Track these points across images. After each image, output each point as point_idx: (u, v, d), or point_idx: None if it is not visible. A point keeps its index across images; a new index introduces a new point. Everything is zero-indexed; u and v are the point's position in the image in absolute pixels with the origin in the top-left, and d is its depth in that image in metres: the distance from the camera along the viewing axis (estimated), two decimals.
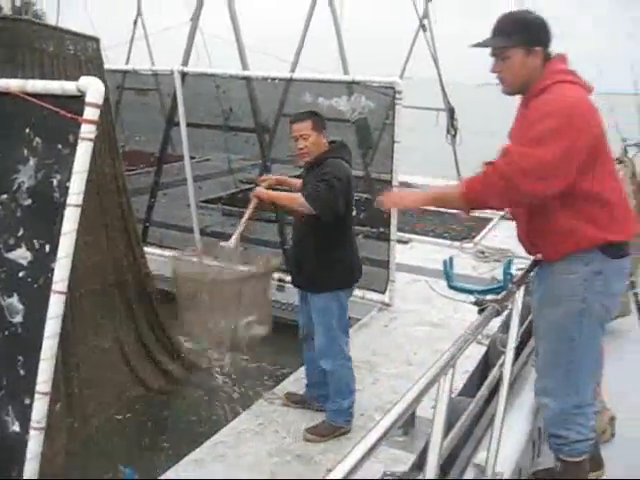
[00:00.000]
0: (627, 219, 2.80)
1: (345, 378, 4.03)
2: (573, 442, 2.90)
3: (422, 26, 10.36)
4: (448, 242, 7.89)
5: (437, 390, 1.83)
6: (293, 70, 6.93)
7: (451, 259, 3.05)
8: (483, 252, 7.19)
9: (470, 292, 2.76)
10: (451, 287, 3.03)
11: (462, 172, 10.99)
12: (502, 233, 8.09)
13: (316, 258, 3.92)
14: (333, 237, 3.94)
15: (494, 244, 7.63)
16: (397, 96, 5.17)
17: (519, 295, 2.82)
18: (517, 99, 2.84)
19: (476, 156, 3.39)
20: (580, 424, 2.88)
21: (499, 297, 2.62)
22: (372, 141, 5.80)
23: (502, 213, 8.91)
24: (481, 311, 2.46)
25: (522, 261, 5.36)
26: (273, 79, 6.14)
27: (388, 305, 5.94)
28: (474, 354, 4.11)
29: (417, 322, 5.65)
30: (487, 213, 9.09)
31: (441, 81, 10.52)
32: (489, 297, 2.61)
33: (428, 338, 5.25)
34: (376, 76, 5.46)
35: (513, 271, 2.99)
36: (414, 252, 7.54)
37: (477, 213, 8.92)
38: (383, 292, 5.93)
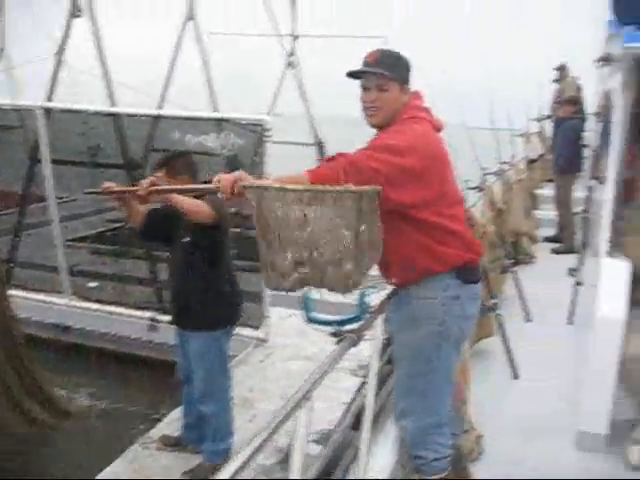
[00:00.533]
0: (474, 243, 2.94)
1: (225, 420, 3.98)
2: (431, 461, 2.96)
3: (289, 63, 10.57)
4: None
5: (296, 423, 1.85)
6: (161, 107, 6.88)
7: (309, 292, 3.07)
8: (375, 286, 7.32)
9: (327, 324, 2.80)
10: (309, 320, 3.04)
11: None
12: None
13: (197, 295, 3.85)
14: (214, 273, 3.90)
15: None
16: (265, 133, 5.23)
17: (378, 324, 2.90)
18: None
19: None
20: (439, 443, 2.96)
21: (357, 327, 2.65)
22: None
23: None
24: (339, 342, 2.48)
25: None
26: (141, 116, 6.08)
27: (264, 341, 5.94)
28: (350, 386, 4.20)
29: (292, 356, 5.70)
30: None
31: (310, 116, 10.77)
32: (347, 327, 2.65)
33: (304, 372, 5.30)
34: (245, 113, 5.53)
35: (369, 300, 3.04)
36: None
37: None
38: (258, 328, 5.94)
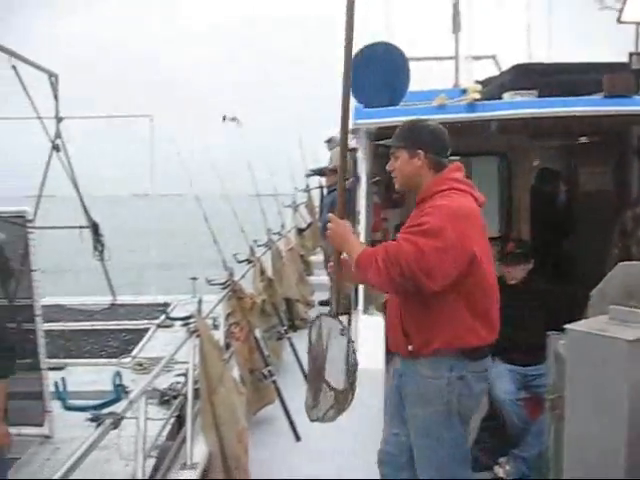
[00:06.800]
0: (496, 321, 3.06)
1: None
2: None
3: (55, 147, 10.30)
4: (105, 360, 7.76)
5: None
6: None
7: (63, 380, 3.06)
8: (141, 364, 7.23)
9: (84, 410, 2.80)
10: (67, 408, 3.02)
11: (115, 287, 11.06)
12: (159, 342, 8.25)
13: None
14: None
15: (151, 354, 7.70)
16: (28, 225, 5.09)
17: (142, 403, 2.95)
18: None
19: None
20: None
21: (119, 410, 2.69)
22: (10, 271, 5.59)
23: (158, 322, 9.14)
24: (98, 426, 2.52)
25: (181, 366, 5.61)
26: None
27: (48, 437, 5.64)
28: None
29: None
30: (143, 322, 9.24)
31: (81, 199, 10.50)
32: (106, 411, 2.65)
33: (95, 462, 5.13)
34: (16, 198, 5.33)
35: (132, 377, 3.06)
36: (72, 377, 7.27)
37: (130, 326, 9.04)
38: (41, 425, 5.64)
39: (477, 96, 4.22)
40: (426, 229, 2.69)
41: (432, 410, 2.96)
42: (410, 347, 2.93)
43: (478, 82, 4.93)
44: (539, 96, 4.44)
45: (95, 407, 2.72)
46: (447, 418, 2.95)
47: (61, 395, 2.89)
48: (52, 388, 5.93)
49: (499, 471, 4.46)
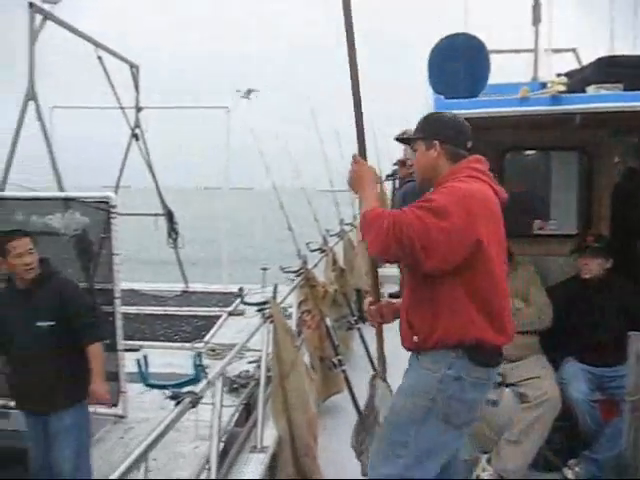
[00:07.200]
0: (507, 322, 2.83)
1: None
2: None
3: (134, 135, 10.59)
4: (179, 344, 8.00)
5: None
6: (1, 189, 6.70)
7: (145, 358, 3.13)
8: (214, 350, 7.40)
9: (165, 387, 2.84)
10: (147, 385, 3.09)
11: (188, 275, 11.33)
12: (230, 330, 8.45)
13: (71, 372, 3.91)
14: (81, 349, 3.95)
15: (223, 340, 7.89)
16: (112, 210, 5.30)
17: (218, 385, 3.00)
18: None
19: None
20: None
21: (195, 390, 2.69)
22: (92, 254, 5.81)
23: (229, 309, 9.33)
24: (177, 404, 2.55)
25: (253, 354, 5.69)
26: None
27: (122, 417, 5.84)
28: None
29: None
30: (215, 310, 9.45)
31: (157, 186, 10.79)
32: (185, 390, 2.68)
33: (166, 443, 5.27)
34: (94, 187, 5.54)
35: (204, 363, 3.10)
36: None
37: (202, 312, 9.25)
38: (116, 405, 5.83)
39: (561, 88, 4.12)
40: (434, 207, 2.60)
41: (412, 401, 2.85)
42: (415, 338, 2.85)
43: (559, 75, 4.81)
44: (624, 90, 4.31)
45: (175, 385, 2.78)
46: (425, 416, 2.80)
47: (143, 373, 2.98)
48: (132, 367, 6.22)
49: (567, 473, 4.37)
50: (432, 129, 3.00)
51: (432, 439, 2.82)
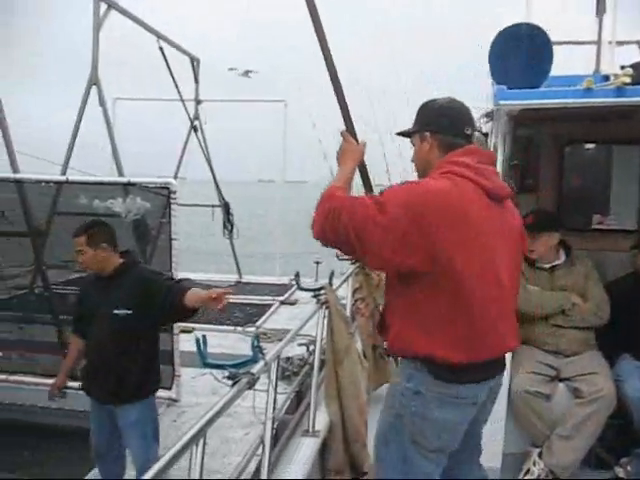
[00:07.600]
0: (475, 345, 2.46)
1: None
2: None
3: (193, 127, 10.76)
4: (231, 327, 8.14)
5: (189, 459, 2.04)
6: (64, 173, 6.90)
7: (204, 337, 3.16)
8: (265, 334, 7.52)
9: (222, 367, 2.83)
10: (205, 364, 3.11)
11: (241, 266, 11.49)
12: (282, 317, 8.56)
13: (140, 368, 3.92)
14: (154, 342, 4.04)
15: (275, 326, 8.00)
16: (172, 196, 5.40)
17: (273, 367, 3.04)
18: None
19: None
20: None
21: (252, 370, 2.67)
22: (150, 239, 5.95)
23: (282, 298, 9.45)
24: (234, 384, 2.53)
25: (303, 339, 5.75)
26: (47, 182, 6.07)
27: (176, 400, 5.96)
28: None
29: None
30: (267, 299, 9.58)
31: (215, 178, 10.96)
32: (242, 370, 2.66)
33: (216, 427, 5.36)
34: (151, 177, 5.67)
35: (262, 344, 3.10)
36: None
37: (255, 300, 9.39)
38: (170, 388, 5.94)
39: (627, 80, 4.03)
40: (380, 200, 2.39)
41: (385, 415, 2.67)
42: (385, 343, 2.76)
43: (623, 67, 4.72)
44: None
45: (233, 365, 2.82)
46: (394, 432, 2.60)
47: (202, 352, 3.02)
48: (189, 347, 6.30)
49: (619, 471, 4.29)
50: (423, 119, 2.75)
51: (400, 459, 2.59)
